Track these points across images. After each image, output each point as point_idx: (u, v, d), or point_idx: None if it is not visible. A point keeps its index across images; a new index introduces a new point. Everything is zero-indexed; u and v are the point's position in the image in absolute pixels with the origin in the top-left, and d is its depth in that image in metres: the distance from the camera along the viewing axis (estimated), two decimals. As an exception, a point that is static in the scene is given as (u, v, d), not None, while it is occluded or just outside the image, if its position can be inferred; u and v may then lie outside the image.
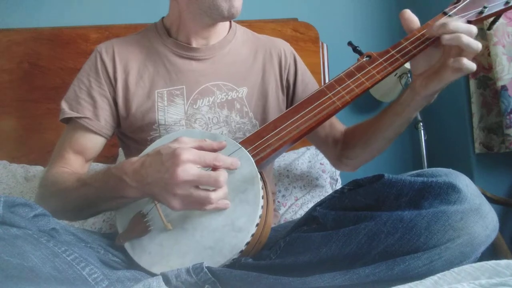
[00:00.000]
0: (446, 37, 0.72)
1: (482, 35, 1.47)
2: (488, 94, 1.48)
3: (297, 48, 1.54)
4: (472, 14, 0.79)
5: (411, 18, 0.78)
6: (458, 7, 0.80)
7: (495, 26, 1.38)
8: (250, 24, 1.51)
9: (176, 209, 0.68)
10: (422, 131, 1.55)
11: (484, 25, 1.39)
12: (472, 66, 0.72)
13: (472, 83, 1.50)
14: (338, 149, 1.04)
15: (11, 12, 1.67)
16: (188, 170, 0.65)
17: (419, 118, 1.58)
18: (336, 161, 1.07)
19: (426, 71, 0.79)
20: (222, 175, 0.66)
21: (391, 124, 0.89)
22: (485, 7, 0.78)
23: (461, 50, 0.72)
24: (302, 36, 1.60)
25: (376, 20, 1.80)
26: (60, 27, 1.59)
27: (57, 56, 1.55)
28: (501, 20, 1.39)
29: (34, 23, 1.62)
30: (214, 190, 0.67)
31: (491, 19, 0.83)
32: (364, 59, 0.80)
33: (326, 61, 1.61)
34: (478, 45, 0.71)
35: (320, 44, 1.61)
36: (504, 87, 1.38)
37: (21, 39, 1.55)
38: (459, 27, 0.71)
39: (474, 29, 0.72)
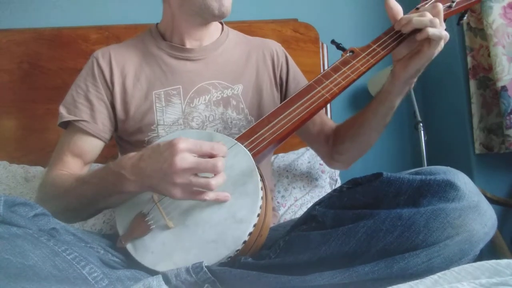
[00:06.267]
0: (418, 36, 0.79)
1: (482, 36, 1.47)
2: (488, 94, 1.48)
3: (297, 48, 1.56)
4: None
5: (396, 7, 0.84)
6: (429, 3, 0.85)
7: (495, 26, 1.38)
8: (250, 24, 1.51)
9: (177, 197, 0.68)
10: (422, 131, 1.55)
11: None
12: (440, 32, 0.77)
13: (472, 83, 1.50)
14: (330, 146, 1.06)
15: (11, 12, 1.67)
16: (186, 158, 0.66)
17: (419, 118, 1.58)
18: (328, 158, 1.10)
19: (405, 56, 0.84)
20: (220, 160, 0.67)
21: (376, 113, 0.92)
22: (453, 1, 0.86)
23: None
24: (302, 37, 1.60)
25: (376, 20, 1.79)
26: (60, 27, 1.59)
27: (57, 57, 1.55)
28: (501, 20, 1.40)
29: (34, 23, 1.62)
30: (213, 177, 0.68)
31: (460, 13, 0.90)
32: (348, 54, 0.85)
33: (326, 61, 1.61)
34: (440, 32, 0.77)
35: (320, 44, 1.61)
36: (504, 88, 1.38)
37: (21, 39, 1.55)
38: (422, 21, 0.78)
39: (435, 20, 0.77)
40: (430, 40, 0.78)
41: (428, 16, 0.78)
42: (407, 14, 0.84)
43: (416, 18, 0.78)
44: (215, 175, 0.68)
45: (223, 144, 0.71)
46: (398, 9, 0.83)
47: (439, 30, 0.77)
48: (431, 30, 0.76)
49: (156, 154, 0.69)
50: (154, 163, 0.69)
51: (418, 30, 0.79)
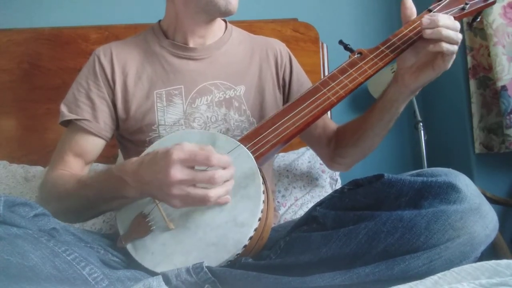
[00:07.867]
0: (428, 31, 0.74)
1: (482, 36, 1.47)
2: (488, 94, 1.48)
3: (297, 48, 1.55)
4: (455, 10, 0.83)
5: (411, 9, 0.81)
6: (442, 4, 0.84)
7: (495, 26, 1.38)
8: (250, 24, 1.51)
9: (177, 207, 0.68)
10: (422, 131, 1.55)
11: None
12: (454, 48, 0.74)
13: (472, 83, 1.50)
14: (331, 148, 1.05)
15: (11, 12, 1.67)
16: (180, 169, 0.65)
17: (419, 118, 1.58)
18: (330, 161, 1.08)
19: (415, 64, 0.81)
20: (218, 172, 0.66)
21: (380, 120, 0.90)
22: (466, 4, 0.83)
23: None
24: (302, 36, 1.60)
25: (376, 20, 1.80)
26: (60, 27, 1.58)
27: (57, 56, 1.54)
28: (501, 20, 1.39)
29: (34, 23, 1.62)
30: (213, 188, 0.67)
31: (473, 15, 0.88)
32: (356, 56, 0.83)
33: (326, 61, 1.60)
34: (457, 35, 0.74)
35: (320, 44, 1.60)
36: (504, 87, 1.38)
37: (21, 39, 1.55)
38: (445, 22, 0.74)
39: (457, 24, 0.75)
40: (443, 54, 0.75)
41: (458, 35, 0.74)
42: (418, 15, 0.82)
43: (446, 30, 0.73)
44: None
45: (226, 155, 0.70)
46: (413, 11, 0.81)
47: (454, 46, 0.74)
48: (445, 46, 0.73)
49: (153, 163, 0.68)
50: (151, 172, 0.68)
51: (432, 39, 0.75)
